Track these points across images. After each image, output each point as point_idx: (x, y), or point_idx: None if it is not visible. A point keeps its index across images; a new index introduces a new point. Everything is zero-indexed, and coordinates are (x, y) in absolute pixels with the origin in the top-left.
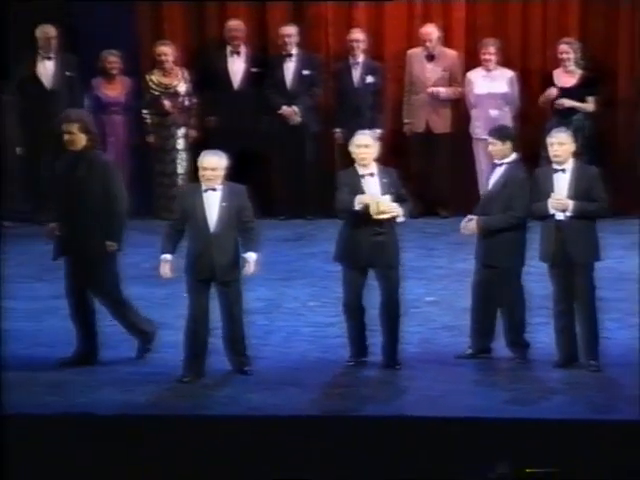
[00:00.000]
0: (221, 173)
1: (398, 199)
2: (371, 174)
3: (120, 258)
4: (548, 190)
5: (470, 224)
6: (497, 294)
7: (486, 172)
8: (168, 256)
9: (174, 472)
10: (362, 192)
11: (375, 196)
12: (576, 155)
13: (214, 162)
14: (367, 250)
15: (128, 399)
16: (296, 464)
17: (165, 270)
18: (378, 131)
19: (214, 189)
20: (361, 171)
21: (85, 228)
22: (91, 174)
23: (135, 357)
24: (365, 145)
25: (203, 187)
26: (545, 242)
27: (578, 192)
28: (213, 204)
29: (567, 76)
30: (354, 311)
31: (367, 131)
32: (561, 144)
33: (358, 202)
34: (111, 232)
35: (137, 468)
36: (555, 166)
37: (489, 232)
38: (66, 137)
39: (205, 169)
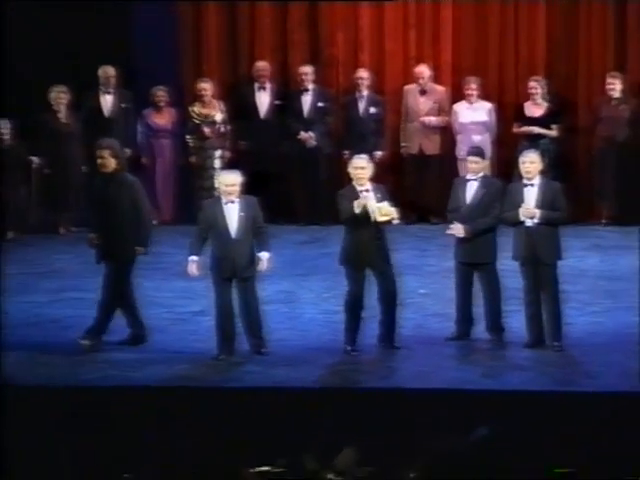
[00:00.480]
0: (238, 188)
1: None
2: (367, 190)
3: (167, 258)
4: (519, 201)
5: (458, 226)
6: (473, 287)
7: (460, 187)
8: (195, 257)
9: (212, 434)
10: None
11: (375, 203)
12: (542, 172)
13: (232, 179)
14: (369, 252)
15: (174, 373)
16: (311, 427)
17: (192, 269)
18: (379, 153)
19: (233, 202)
20: (358, 188)
21: (118, 236)
22: (121, 192)
23: (127, 343)
24: (361, 167)
25: (223, 200)
26: (517, 244)
27: (544, 203)
28: (233, 214)
29: (535, 108)
30: (357, 304)
31: (363, 155)
32: (532, 162)
33: (357, 206)
34: (140, 239)
35: (183, 431)
36: (525, 181)
37: (475, 234)
38: (99, 161)
39: (226, 185)
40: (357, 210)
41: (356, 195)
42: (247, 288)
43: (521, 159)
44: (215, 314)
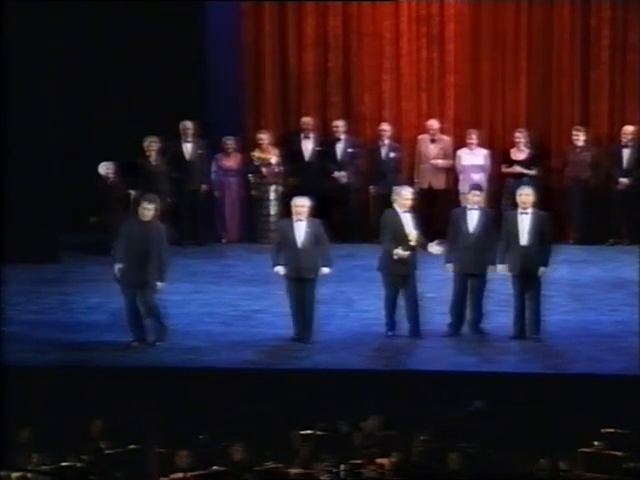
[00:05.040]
0: (306, 210)
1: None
2: (406, 212)
3: (234, 268)
4: (515, 227)
5: (437, 247)
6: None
7: (461, 216)
8: (279, 267)
9: (267, 403)
10: (400, 226)
11: (410, 230)
12: (534, 204)
13: (302, 202)
14: (400, 263)
15: (237, 357)
16: (343, 399)
17: (280, 272)
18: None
19: (301, 220)
20: (400, 210)
21: (142, 270)
22: (151, 236)
23: (153, 342)
24: (407, 198)
25: (294, 219)
26: (512, 260)
27: (535, 229)
28: (301, 229)
29: (519, 153)
30: (394, 300)
31: (408, 187)
32: (527, 195)
33: (395, 253)
34: (160, 275)
35: (245, 400)
36: (521, 210)
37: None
38: (143, 211)
39: (297, 206)
40: (395, 257)
41: (398, 216)
42: (307, 288)
43: (518, 192)
44: (289, 306)
